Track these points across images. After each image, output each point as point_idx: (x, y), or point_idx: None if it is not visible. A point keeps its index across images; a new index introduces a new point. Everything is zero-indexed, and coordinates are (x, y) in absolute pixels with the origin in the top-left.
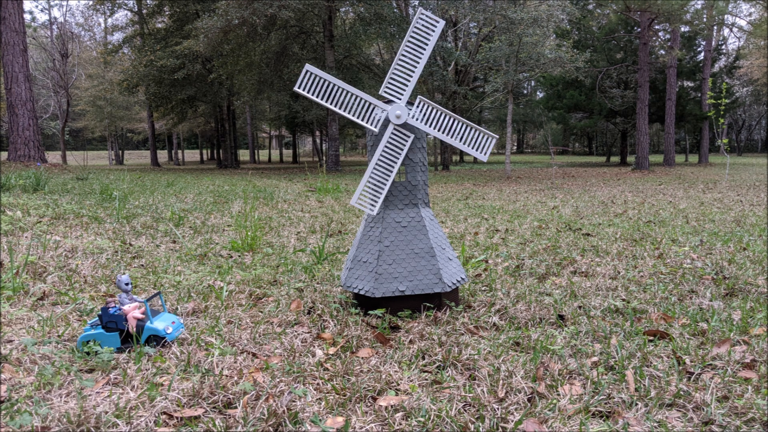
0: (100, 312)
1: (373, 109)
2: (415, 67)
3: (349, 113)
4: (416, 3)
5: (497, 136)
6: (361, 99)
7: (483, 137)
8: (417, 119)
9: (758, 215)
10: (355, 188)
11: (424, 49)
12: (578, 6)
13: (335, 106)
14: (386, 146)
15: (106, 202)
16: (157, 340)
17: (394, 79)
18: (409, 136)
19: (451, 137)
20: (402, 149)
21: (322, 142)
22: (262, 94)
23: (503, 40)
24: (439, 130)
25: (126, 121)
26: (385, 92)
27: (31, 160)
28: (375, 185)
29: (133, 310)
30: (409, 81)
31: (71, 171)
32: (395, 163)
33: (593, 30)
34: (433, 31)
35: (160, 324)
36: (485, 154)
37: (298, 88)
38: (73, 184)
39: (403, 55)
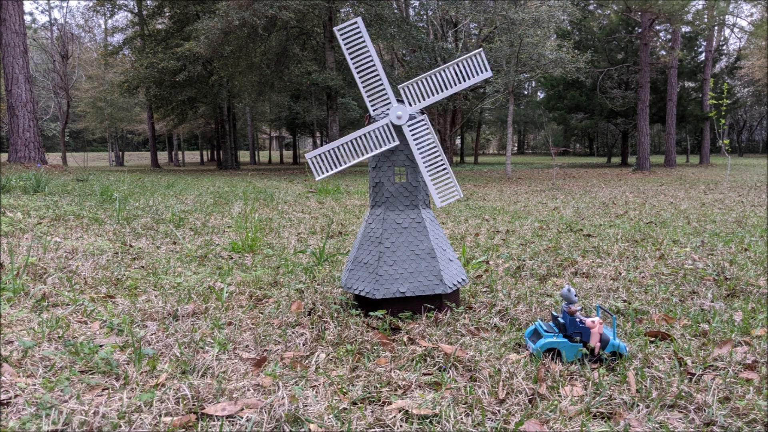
0: (560, 319)
1: (378, 131)
2: (376, 69)
3: (366, 153)
4: (416, 3)
5: (480, 49)
6: (364, 134)
7: (472, 60)
8: (414, 105)
9: (759, 216)
10: (355, 189)
11: (367, 49)
12: (579, 6)
13: (353, 160)
14: (416, 143)
15: (107, 204)
16: (616, 356)
17: (371, 94)
18: (422, 119)
19: (451, 87)
20: (428, 131)
21: (323, 143)
22: (263, 96)
23: (504, 41)
24: (436, 93)
25: (126, 123)
26: (374, 110)
27: (31, 162)
28: (440, 175)
29: (599, 325)
30: (382, 84)
31: (71, 172)
32: (433, 143)
33: (594, 30)
34: (358, 29)
35: (620, 342)
36: (486, 69)
37: (318, 177)
38: (74, 186)
39: (357, 69)
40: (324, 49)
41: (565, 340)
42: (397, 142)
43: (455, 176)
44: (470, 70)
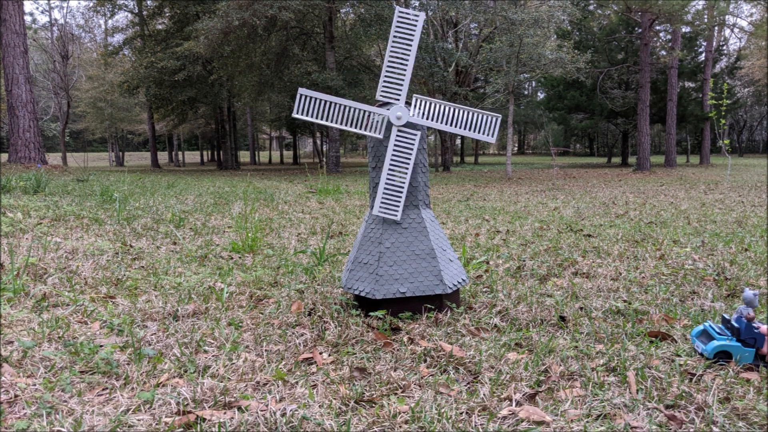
0: (733, 322)
1: (373, 116)
2: (406, 66)
3: (350, 126)
4: (416, 4)
5: (500, 116)
6: (360, 110)
7: (487, 119)
8: (417, 116)
9: (760, 216)
10: (356, 189)
11: (410, 46)
12: (579, 7)
13: (336, 123)
14: (395, 149)
15: (107, 204)
16: None
17: (388, 82)
18: (415, 134)
19: (456, 126)
20: (411, 148)
21: (323, 143)
22: (263, 96)
23: (504, 41)
24: (442, 122)
25: (126, 123)
26: (382, 96)
27: (31, 162)
28: (393, 190)
29: None
30: (402, 80)
31: (72, 172)
32: (408, 163)
33: (594, 31)
34: (415, 25)
35: None
36: (492, 135)
37: (296, 113)
38: (74, 186)
39: (391, 56)
40: (324, 49)
41: (738, 344)
42: (380, 137)
43: (454, 176)
44: (481, 126)
